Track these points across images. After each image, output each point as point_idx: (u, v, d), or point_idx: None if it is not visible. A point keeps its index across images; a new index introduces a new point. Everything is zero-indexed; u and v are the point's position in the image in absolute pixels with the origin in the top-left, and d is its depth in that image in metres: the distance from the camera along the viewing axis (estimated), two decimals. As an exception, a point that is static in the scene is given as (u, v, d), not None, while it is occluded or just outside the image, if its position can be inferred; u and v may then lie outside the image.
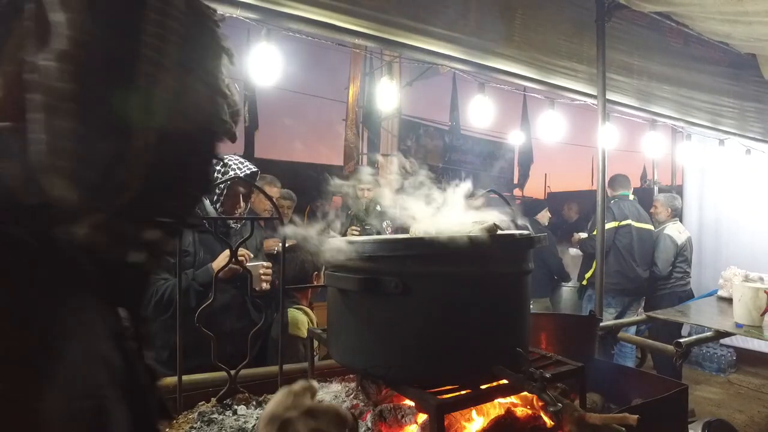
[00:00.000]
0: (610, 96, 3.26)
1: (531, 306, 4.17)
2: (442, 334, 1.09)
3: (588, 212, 5.92)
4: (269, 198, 1.54)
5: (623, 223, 4.20)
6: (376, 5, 2.32)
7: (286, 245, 1.72)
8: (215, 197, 2.04)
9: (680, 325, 3.93)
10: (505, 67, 2.93)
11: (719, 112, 4.30)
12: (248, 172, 2.07)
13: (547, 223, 4.97)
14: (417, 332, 1.10)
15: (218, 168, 2.05)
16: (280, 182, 4.22)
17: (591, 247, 4.18)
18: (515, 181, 8.99)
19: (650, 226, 4.38)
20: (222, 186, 2.02)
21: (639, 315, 3.89)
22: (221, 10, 1.93)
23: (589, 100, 3.34)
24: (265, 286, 2.07)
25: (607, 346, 3.89)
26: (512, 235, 1.18)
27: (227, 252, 1.82)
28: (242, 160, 2.12)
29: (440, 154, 8.34)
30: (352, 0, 2.23)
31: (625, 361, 4.18)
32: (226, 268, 1.71)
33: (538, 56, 3.03)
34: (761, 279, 3.05)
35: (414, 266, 1.09)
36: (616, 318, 4.01)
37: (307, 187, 4.77)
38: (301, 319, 2.29)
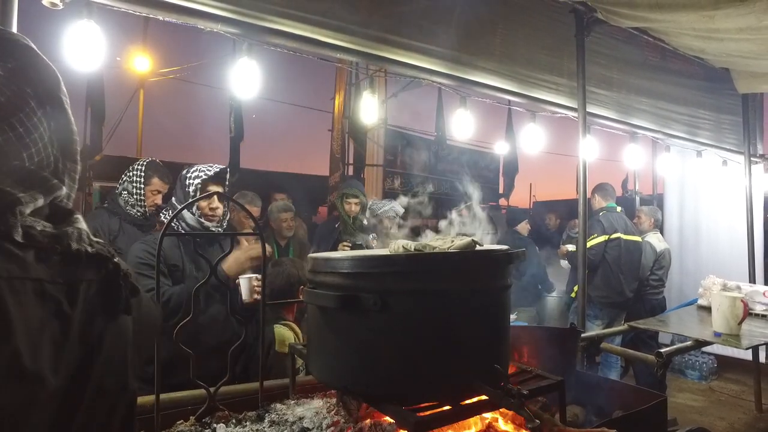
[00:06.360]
0: (590, 109, 3.32)
1: (517, 316, 4.10)
2: (421, 350, 1.09)
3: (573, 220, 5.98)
4: (250, 215, 1.53)
5: (613, 236, 4.20)
6: (359, 20, 2.34)
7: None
8: (192, 206, 2.04)
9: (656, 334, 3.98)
10: (487, 81, 2.96)
11: (696, 124, 4.41)
12: (217, 170, 2.09)
13: (527, 234, 5.00)
14: (396, 349, 1.10)
15: (188, 175, 2.06)
16: (271, 190, 4.18)
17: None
18: (501, 190, 9.06)
19: (638, 238, 4.41)
20: (193, 191, 2.03)
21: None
22: (202, 24, 1.93)
23: (570, 113, 3.39)
24: (256, 297, 2.04)
25: (591, 358, 3.92)
26: (490, 251, 1.19)
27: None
28: (206, 165, 2.13)
29: (426, 164, 8.40)
30: (334, 15, 2.24)
31: (611, 371, 4.20)
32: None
33: (519, 70, 3.08)
34: (739, 288, 3.10)
35: (392, 283, 1.09)
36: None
37: (293, 197, 4.76)
38: (288, 335, 2.26)
